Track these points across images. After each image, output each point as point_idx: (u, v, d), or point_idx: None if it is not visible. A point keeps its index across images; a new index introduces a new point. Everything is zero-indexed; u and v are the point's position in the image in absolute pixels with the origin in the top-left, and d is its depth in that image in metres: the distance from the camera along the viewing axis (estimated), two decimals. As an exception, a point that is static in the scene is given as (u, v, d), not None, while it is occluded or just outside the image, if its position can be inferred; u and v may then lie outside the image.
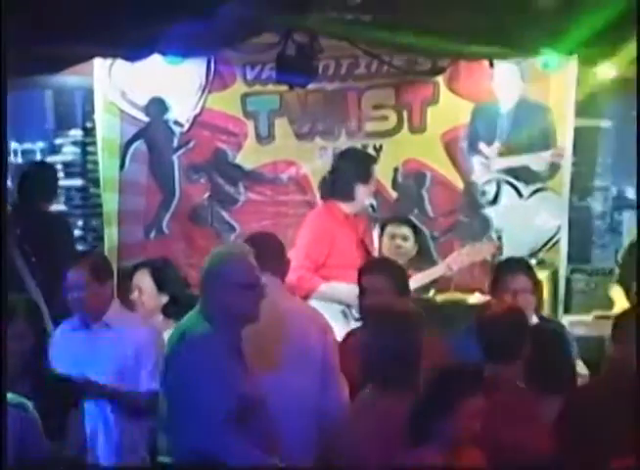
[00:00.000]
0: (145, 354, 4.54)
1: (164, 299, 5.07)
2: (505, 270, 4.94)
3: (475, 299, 6.50)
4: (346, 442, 3.74)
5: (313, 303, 5.44)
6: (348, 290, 5.26)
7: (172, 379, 4.02)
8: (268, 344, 4.27)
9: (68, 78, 7.10)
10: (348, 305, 5.42)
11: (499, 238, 6.81)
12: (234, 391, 3.86)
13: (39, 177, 6.61)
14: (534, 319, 4.77)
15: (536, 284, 4.93)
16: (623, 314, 4.46)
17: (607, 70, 6.55)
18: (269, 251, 4.48)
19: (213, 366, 3.88)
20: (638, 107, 6.11)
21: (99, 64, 6.96)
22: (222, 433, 3.83)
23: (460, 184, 7.13)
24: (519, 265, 5.01)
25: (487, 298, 5.25)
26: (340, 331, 4.78)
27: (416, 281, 5.62)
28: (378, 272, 4.67)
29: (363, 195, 5.86)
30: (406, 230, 6.21)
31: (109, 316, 4.79)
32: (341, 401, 4.22)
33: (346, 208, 5.83)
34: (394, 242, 6.12)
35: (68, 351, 4.54)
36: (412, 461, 3.52)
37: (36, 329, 4.27)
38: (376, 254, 6.05)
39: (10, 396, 3.86)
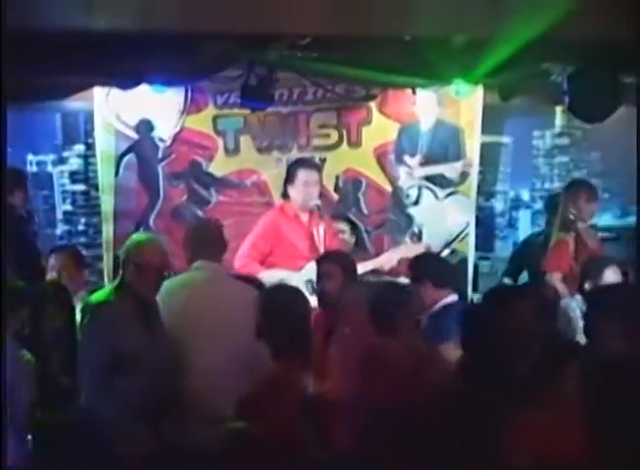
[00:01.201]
0: None
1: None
2: None
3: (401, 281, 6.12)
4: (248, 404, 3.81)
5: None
6: (281, 277, 5.71)
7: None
8: (203, 314, 4.65)
9: (73, 103, 7.34)
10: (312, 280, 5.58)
11: (420, 232, 7.36)
12: (116, 349, 4.12)
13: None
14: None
15: None
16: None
17: (506, 97, 7.03)
18: (206, 239, 4.97)
19: (97, 327, 4.18)
20: (639, 115, 6.24)
21: (98, 91, 7.17)
22: (99, 384, 4.13)
23: (389, 189, 7.58)
24: None
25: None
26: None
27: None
28: (332, 261, 5.11)
29: (293, 193, 6.34)
30: (343, 225, 6.88)
31: (78, 297, 5.24)
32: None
33: (296, 206, 6.36)
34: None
35: None
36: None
37: (64, 309, 4.69)
38: (320, 246, 6.35)
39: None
